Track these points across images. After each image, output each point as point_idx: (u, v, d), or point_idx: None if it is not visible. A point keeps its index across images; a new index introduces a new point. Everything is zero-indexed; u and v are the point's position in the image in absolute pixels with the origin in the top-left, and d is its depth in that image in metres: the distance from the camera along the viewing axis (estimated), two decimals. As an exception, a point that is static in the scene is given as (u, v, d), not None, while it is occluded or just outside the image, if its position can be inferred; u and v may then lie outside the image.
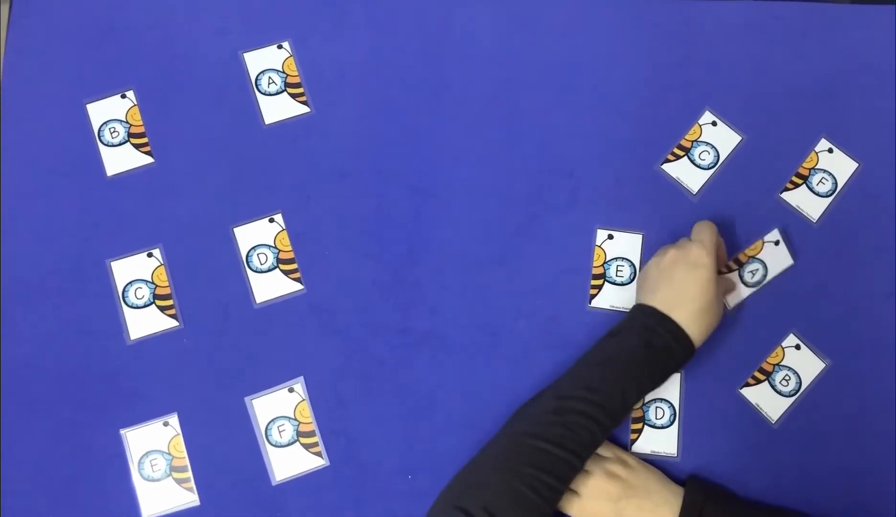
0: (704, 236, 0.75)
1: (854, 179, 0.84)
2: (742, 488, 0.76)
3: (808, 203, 0.83)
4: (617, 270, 0.82)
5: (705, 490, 0.73)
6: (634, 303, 0.75)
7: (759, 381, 0.79)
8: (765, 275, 0.79)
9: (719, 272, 0.78)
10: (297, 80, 0.86)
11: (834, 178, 0.84)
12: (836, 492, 0.76)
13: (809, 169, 0.84)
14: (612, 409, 0.68)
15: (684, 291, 0.72)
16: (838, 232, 0.82)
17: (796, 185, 0.84)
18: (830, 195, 0.84)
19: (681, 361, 0.72)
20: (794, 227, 0.82)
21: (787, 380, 0.79)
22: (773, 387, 0.79)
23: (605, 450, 0.75)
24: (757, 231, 0.82)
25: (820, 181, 0.84)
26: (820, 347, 0.79)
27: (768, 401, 0.78)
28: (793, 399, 0.78)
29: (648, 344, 0.71)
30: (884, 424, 0.77)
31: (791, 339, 0.80)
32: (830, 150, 0.85)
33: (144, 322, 0.80)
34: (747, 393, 0.79)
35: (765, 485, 0.76)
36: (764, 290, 0.81)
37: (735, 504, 0.74)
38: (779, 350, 0.80)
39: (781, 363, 0.79)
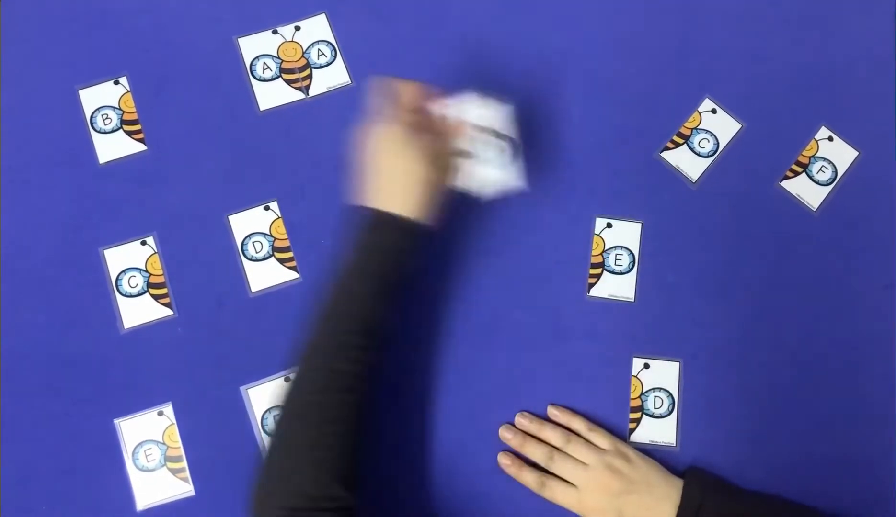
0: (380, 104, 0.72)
1: (854, 168, 0.84)
2: (741, 477, 0.76)
3: (807, 191, 0.83)
4: (616, 259, 0.81)
5: (703, 482, 0.72)
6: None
7: (758, 371, 0.79)
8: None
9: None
10: (291, 65, 0.85)
11: (834, 166, 0.84)
12: (835, 480, 0.76)
13: (809, 157, 0.84)
14: (366, 328, 0.68)
15: (377, 174, 0.70)
16: (838, 220, 0.82)
17: (796, 174, 0.83)
18: (830, 183, 0.83)
19: (405, 241, 0.70)
20: (793, 216, 0.82)
21: (786, 370, 0.78)
22: (772, 376, 0.78)
23: (605, 442, 0.74)
24: (757, 219, 0.82)
25: (820, 169, 0.84)
26: (818, 337, 0.79)
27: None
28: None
29: (358, 248, 0.69)
30: (883, 414, 0.77)
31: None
32: (830, 139, 0.84)
33: (138, 311, 0.79)
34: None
35: (764, 474, 0.76)
36: (761, 280, 0.80)
37: (734, 496, 0.74)
38: (778, 339, 0.79)
39: (781, 352, 0.79)
